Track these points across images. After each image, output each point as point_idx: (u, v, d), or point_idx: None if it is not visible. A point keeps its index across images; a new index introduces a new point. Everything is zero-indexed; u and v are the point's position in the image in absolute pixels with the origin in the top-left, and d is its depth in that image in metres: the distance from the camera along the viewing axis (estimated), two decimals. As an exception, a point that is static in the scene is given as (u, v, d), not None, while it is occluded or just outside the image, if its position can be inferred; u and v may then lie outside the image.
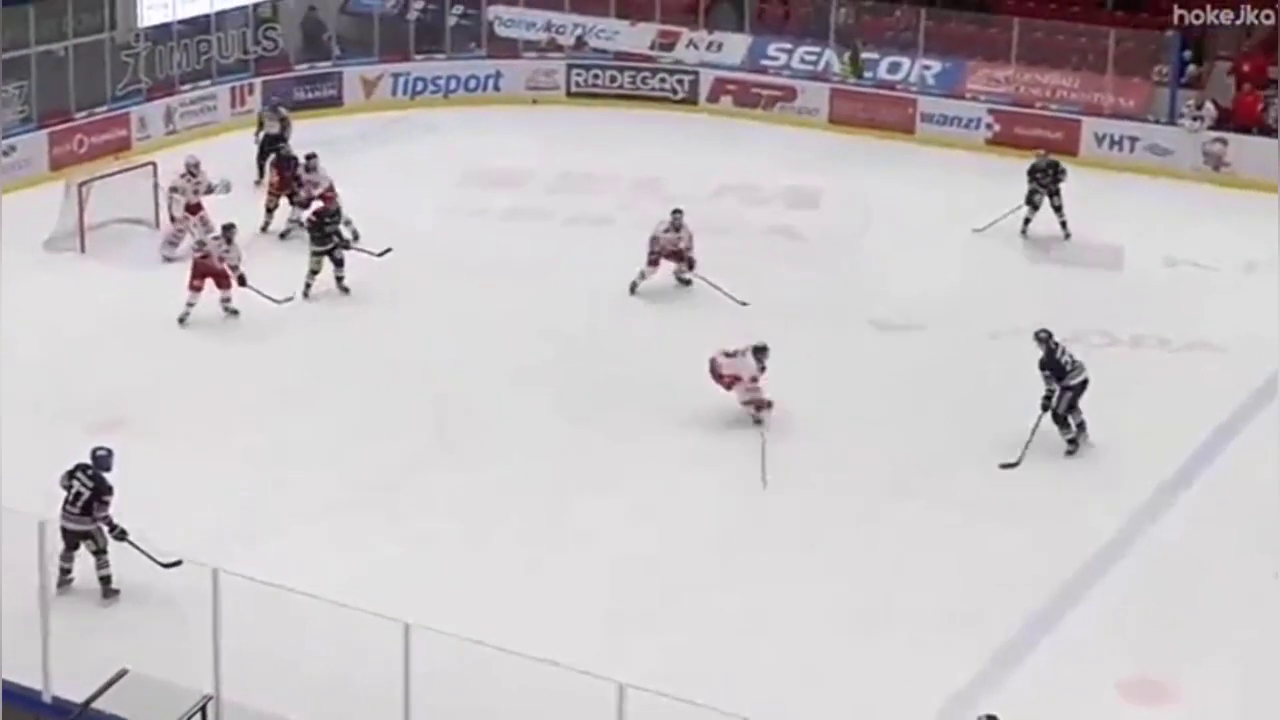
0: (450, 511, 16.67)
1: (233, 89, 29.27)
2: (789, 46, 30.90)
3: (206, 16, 29.04)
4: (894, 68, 30.18)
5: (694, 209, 23.17)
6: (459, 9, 31.99)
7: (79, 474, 15.00)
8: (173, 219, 23.38)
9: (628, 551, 15.96)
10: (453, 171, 26.65)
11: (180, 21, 28.70)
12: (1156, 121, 28.16)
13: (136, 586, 14.59)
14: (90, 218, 23.20)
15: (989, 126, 28.91)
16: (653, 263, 22.02)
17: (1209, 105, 27.69)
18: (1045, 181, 24.22)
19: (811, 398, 19.08)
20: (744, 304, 21.40)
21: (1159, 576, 15.53)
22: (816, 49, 30.65)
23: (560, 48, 31.68)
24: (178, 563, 14.36)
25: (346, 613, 12.37)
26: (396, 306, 21.59)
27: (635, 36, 31.54)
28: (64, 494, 14.92)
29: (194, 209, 23.07)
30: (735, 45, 30.99)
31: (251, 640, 12.95)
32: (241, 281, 20.97)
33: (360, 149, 27.61)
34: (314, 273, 21.82)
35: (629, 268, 21.91)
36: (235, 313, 21.10)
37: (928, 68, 29.82)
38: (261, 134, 26.32)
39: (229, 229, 21.22)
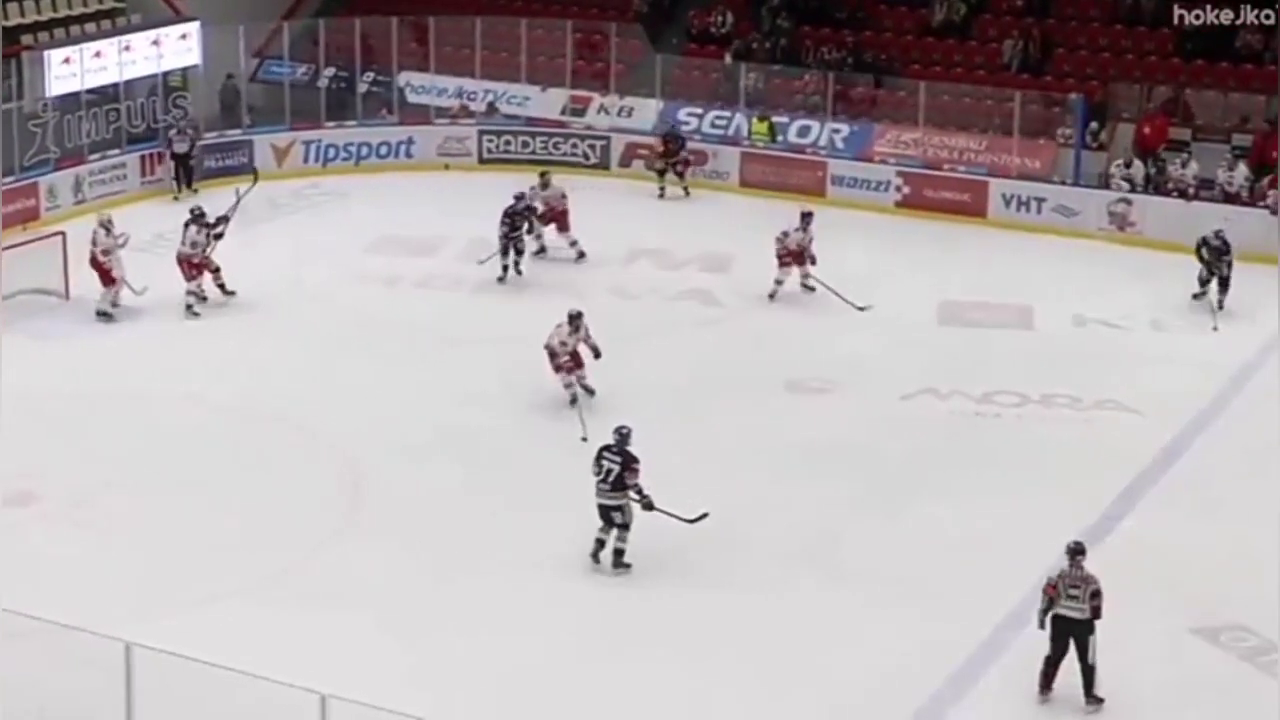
0: (364, 586, 16.46)
1: (142, 157, 29.19)
2: (700, 111, 31.13)
3: (115, 85, 28.98)
4: (804, 131, 30.45)
5: (607, 274, 23.07)
6: (370, 76, 32.09)
7: (605, 454, 16.43)
8: (114, 280, 23.31)
9: (538, 626, 15.84)
10: (365, 238, 26.60)
11: (89, 90, 28.63)
12: (1062, 182, 28.51)
13: (43, 664, 14.35)
14: (-1, 288, 23.01)
15: (898, 189, 29.18)
16: (783, 265, 23.95)
17: (1137, 163, 28.00)
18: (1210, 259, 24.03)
19: (724, 460, 19.20)
20: (862, 308, 23.52)
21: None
22: (727, 113, 30.90)
23: (472, 114, 31.80)
24: (704, 515, 16.36)
25: (261, 684, 12.27)
26: (307, 375, 21.50)
27: (547, 102, 31.78)
28: (595, 475, 16.42)
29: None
30: (646, 110, 31.21)
31: (165, 715, 12.81)
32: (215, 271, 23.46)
33: (271, 216, 27.54)
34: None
35: (542, 333, 21.83)
36: (204, 299, 23.32)
37: (837, 131, 30.11)
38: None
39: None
